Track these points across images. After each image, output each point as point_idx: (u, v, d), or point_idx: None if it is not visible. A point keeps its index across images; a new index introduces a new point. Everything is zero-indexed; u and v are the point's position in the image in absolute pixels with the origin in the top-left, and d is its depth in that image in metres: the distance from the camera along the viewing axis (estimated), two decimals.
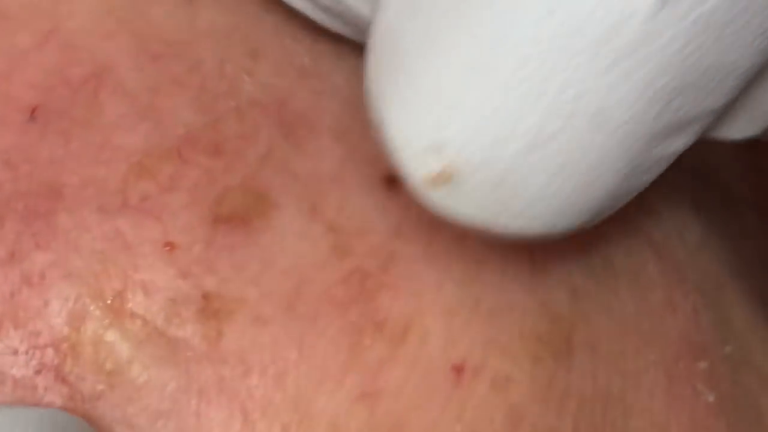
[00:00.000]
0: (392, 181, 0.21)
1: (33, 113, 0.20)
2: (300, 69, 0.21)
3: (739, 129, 0.19)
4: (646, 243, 0.23)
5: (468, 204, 0.17)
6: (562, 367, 0.21)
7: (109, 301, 0.19)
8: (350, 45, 0.22)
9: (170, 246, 0.20)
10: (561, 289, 0.21)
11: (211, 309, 0.19)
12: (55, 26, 0.21)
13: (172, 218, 0.20)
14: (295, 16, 0.22)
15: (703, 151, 0.24)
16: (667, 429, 0.22)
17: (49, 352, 0.19)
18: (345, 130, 0.21)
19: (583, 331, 0.21)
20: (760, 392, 0.24)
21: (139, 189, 0.20)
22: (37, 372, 0.19)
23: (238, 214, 0.20)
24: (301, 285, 0.20)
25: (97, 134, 0.20)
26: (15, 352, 0.19)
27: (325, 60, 0.22)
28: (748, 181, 0.29)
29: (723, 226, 0.26)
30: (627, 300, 0.22)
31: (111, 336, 0.19)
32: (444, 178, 0.17)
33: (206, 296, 0.19)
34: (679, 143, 0.18)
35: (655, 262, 0.23)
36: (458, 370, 0.20)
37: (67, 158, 0.20)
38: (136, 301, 0.19)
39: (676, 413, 0.22)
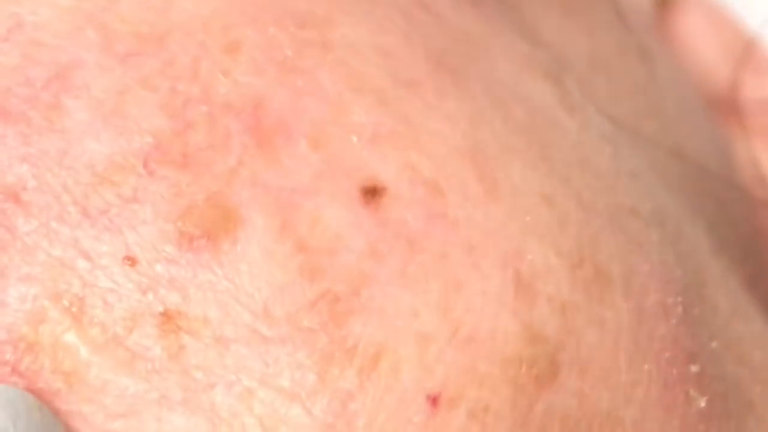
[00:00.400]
0: (372, 193, 0.20)
1: None
2: (281, 63, 0.20)
3: None
4: (636, 245, 0.22)
5: None
6: (546, 390, 0.20)
7: (67, 305, 0.19)
8: (339, 32, 0.21)
9: (131, 261, 0.19)
10: (548, 308, 0.20)
11: (172, 325, 0.19)
12: (18, 22, 0.20)
13: (134, 233, 0.19)
14: None
15: None
16: None
17: (7, 348, 0.19)
18: (324, 136, 0.20)
19: (572, 350, 0.20)
20: (750, 384, 0.23)
21: (100, 200, 0.19)
22: None
23: (204, 231, 0.19)
24: (268, 307, 0.19)
25: (59, 140, 0.19)
26: None
27: (310, 52, 0.20)
28: None
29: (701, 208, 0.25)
30: (622, 310, 0.21)
31: (69, 338, 0.19)
32: None
33: (167, 313, 0.19)
34: None
35: (645, 264, 0.22)
36: (433, 400, 0.19)
37: (26, 163, 0.19)
38: (95, 309, 0.19)
39: (670, 423, 0.21)
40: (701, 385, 0.22)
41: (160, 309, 0.19)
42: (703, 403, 0.21)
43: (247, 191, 0.19)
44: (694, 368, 0.22)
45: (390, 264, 0.19)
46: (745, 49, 0.32)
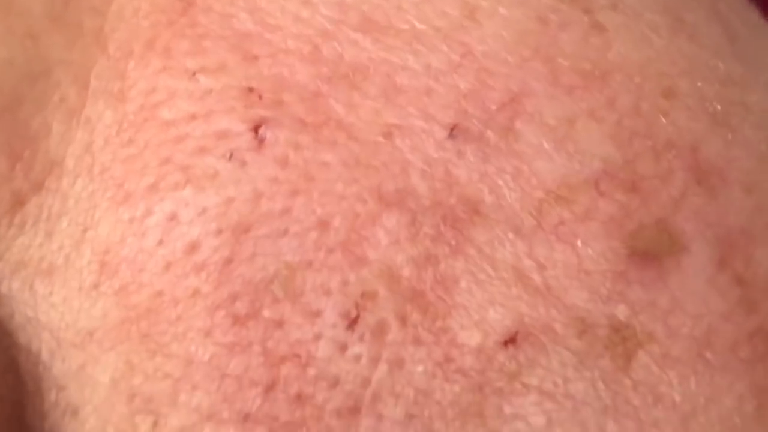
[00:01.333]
0: None
1: (452, 131, 0.20)
2: (711, 115, 0.21)
3: None
4: None
5: None
6: None
7: (527, 320, 0.19)
8: (755, 97, 0.22)
9: (583, 272, 0.20)
10: None
11: (619, 337, 0.19)
12: (467, 50, 0.21)
13: (586, 246, 0.20)
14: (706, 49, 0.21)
15: None
16: None
17: None
18: (755, 184, 0.21)
19: None
20: None
21: (554, 215, 0.20)
22: None
23: (650, 251, 0.20)
24: (710, 333, 0.19)
25: (513, 159, 0.20)
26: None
27: (735, 109, 0.22)
28: None
29: None
30: None
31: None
32: None
33: (615, 324, 0.19)
34: None
35: None
36: None
37: (485, 178, 0.20)
38: (549, 315, 0.19)
39: None
40: None
41: (608, 320, 0.19)
42: None
43: (690, 222, 0.20)
44: None
45: None
46: None
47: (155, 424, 0.20)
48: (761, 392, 0.19)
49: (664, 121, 0.21)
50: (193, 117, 0.21)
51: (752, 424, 0.19)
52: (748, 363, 0.19)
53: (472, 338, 0.20)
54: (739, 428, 0.19)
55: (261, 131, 0.21)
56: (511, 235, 0.20)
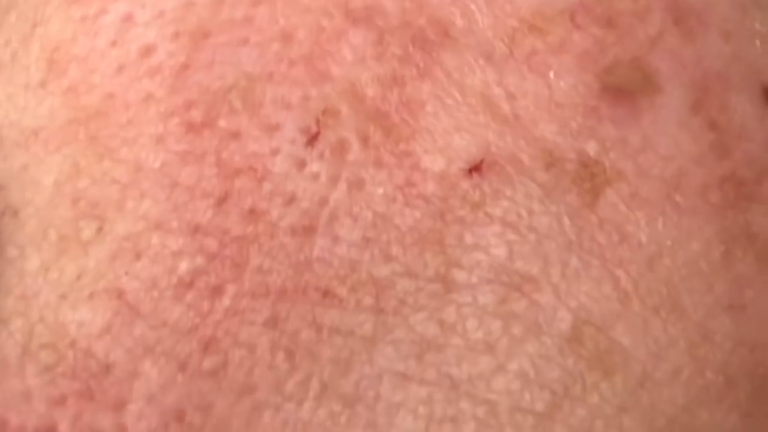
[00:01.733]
0: None
1: None
2: None
3: None
4: None
5: None
6: None
7: (494, 149, 0.19)
8: None
9: (556, 105, 0.19)
10: None
11: (587, 173, 0.19)
12: None
13: (558, 79, 0.19)
14: None
15: None
16: None
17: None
18: (733, 32, 0.20)
19: None
20: None
21: (526, 45, 0.19)
22: None
23: (623, 88, 0.19)
24: (680, 175, 0.19)
25: None
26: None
27: None
28: None
29: None
30: None
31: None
32: None
33: (584, 160, 0.19)
34: None
35: None
36: None
37: (457, 1, 0.19)
38: (517, 145, 0.19)
39: None
40: None
41: (578, 155, 0.19)
42: None
43: (666, 62, 0.19)
44: None
45: None
46: None
47: (100, 229, 0.19)
48: (729, 239, 0.19)
49: None
50: None
51: (718, 269, 0.19)
52: (718, 208, 0.19)
53: (435, 163, 0.19)
54: (705, 273, 0.19)
55: None
56: (481, 62, 0.19)
